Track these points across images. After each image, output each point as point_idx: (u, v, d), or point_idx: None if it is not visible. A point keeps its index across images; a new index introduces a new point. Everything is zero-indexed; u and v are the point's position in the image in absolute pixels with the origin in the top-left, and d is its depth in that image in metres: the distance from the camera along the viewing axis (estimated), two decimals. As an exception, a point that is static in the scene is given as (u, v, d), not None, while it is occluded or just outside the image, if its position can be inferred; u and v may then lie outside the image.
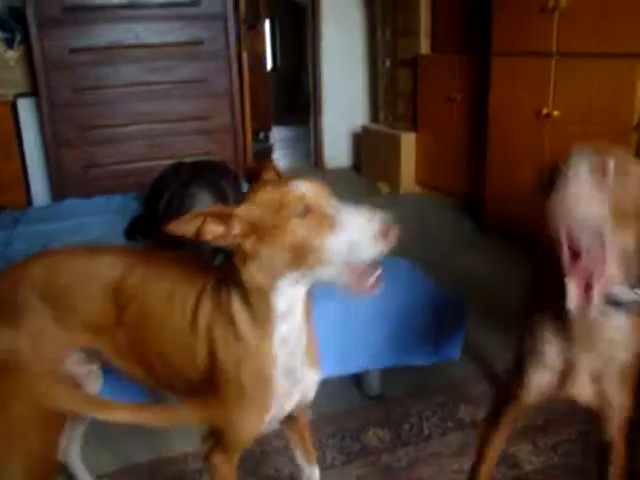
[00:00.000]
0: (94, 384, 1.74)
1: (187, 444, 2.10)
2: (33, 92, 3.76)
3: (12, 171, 3.82)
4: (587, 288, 1.17)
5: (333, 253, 1.17)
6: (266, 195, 1.20)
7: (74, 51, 3.59)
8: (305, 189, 1.19)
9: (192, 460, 2.03)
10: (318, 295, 1.39)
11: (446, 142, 4.73)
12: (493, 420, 1.58)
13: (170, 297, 1.41)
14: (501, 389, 1.62)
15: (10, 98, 3.84)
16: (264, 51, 8.52)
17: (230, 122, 4.01)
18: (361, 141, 5.81)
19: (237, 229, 1.20)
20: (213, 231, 1.20)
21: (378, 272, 1.21)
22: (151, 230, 2.64)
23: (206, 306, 1.36)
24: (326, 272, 1.20)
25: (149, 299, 1.43)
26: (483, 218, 4.15)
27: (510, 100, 3.74)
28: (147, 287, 1.44)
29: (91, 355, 1.59)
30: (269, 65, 9.49)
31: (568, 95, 3.30)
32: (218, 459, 1.45)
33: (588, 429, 2.12)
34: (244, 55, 4.24)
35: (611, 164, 1.15)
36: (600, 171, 1.14)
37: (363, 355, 2.18)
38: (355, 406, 2.30)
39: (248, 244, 1.20)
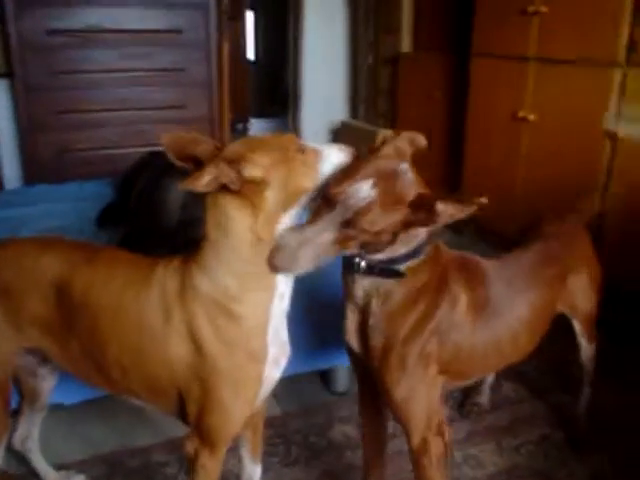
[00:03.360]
0: (50, 375, 1.70)
1: (151, 435, 2.09)
2: (8, 73, 3.68)
3: (-17, 154, 3.75)
4: None
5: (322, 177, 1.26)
6: (264, 141, 1.24)
7: (51, 33, 3.53)
8: (288, 136, 1.28)
9: (156, 452, 2.02)
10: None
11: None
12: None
13: (127, 300, 1.32)
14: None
15: (-17, 79, 3.76)
16: (245, 42, 8.46)
17: (208, 112, 3.98)
18: (340, 136, 5.80)
19: (249, 171, 1.17)
20: (226, 175, 1.15)
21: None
22: (123, 218, 2.62)
23: (176, 297, 1.27)
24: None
25: (100, 306, 1.34)
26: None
27: (488, 101, 3.75)
28: (96, 292, 1.34)
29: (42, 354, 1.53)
30: (251, 57, 9.43)
31: (545, 100, 3.31)
32: (206, 457, 1.33)
33: (551, 432, 2.15)
34: (225, 46, 4.20)
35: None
36: None
37: (330, 351, 2.17)
38: (321, 402, 2.30)
39: (256, 189, 1.18)
